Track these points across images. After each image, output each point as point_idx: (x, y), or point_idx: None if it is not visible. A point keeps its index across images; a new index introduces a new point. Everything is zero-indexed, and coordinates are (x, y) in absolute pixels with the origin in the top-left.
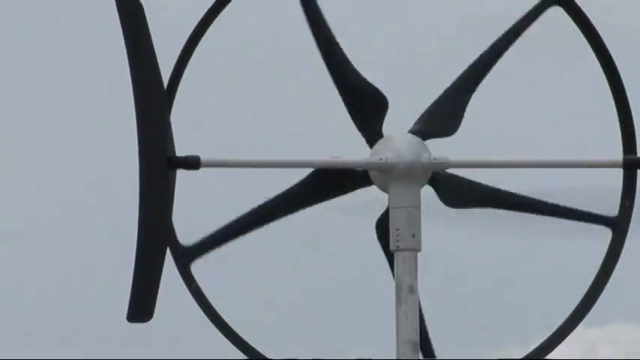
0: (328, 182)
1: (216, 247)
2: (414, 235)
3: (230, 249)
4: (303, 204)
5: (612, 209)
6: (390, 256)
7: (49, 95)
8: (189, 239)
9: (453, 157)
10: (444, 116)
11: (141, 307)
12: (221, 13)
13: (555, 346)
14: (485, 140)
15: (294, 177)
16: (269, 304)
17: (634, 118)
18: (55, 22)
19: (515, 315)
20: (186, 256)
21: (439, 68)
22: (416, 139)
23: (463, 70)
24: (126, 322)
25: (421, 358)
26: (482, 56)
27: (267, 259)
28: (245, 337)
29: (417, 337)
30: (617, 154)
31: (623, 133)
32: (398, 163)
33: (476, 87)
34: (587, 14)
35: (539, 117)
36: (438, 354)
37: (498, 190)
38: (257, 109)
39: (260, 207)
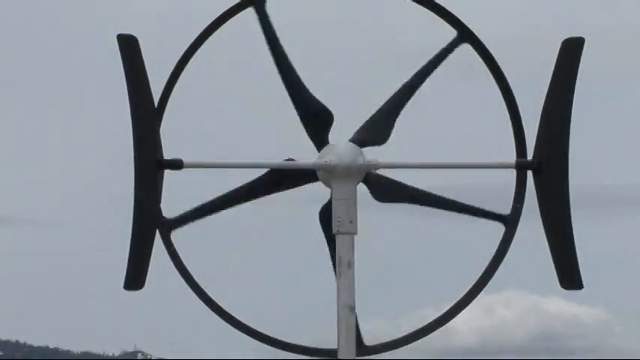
0: (284, 178)
1: (192, 221)
2: (351, 222)
3: (205, 226)
4: (262, 194)
5: (508, 205)
6: (329, 238)
7: (69, 110)
8: (172, 214)
9: (382, 161)
10: (377, 129)
11: (134, 278)
12: (198, 49)
13: (462, 309)
14: (410, 147)
15: (257, 175)
16: (236, 275)
17: (524, 129)
18: (71, 52)
19: (429, 284)
20: (168, 226)
21: (374, 89)
22: (354, 146)
23: (392, 94)
24: (123, 289)
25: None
26: (406, 83)
27: (237, 237)
28: (219, 302)
29: (353, 302)
30: (512, 157)
31: (516, 140)
32: (338, 164)
33: (402, 108)
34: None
35: (451, 129)
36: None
37: (417, 190)
38: (230, 121)
39: (228, 193)
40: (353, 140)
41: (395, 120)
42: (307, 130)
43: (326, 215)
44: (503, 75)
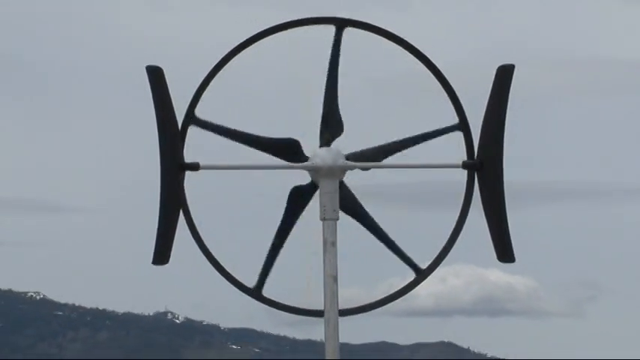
0: (299, 195)
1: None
2: (334, 210)
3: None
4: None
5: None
6: (288, 208)
7: (111, 123)
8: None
9: (356, 163)
10: (330, 125)
11: (161, 255)
12: (218, 73)
13: (424, 280)
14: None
15: (266, 175)
16: (244, 249)
17: (473, 138)
18: (117, 80)
19: (396, 259)
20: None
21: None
22: (335, 151)
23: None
24: (152, 264)
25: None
26: (327, 85)
27: (243, 221)
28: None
29: (336, 273)
30: (461, 159)
31: (466, 144)
32: (323, 166)
33: (336, 101)
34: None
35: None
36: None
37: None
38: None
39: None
40: (323, 144)
41: (338, 112)
42: (283, 157)
43: (295, 193)
44: (457, 97)
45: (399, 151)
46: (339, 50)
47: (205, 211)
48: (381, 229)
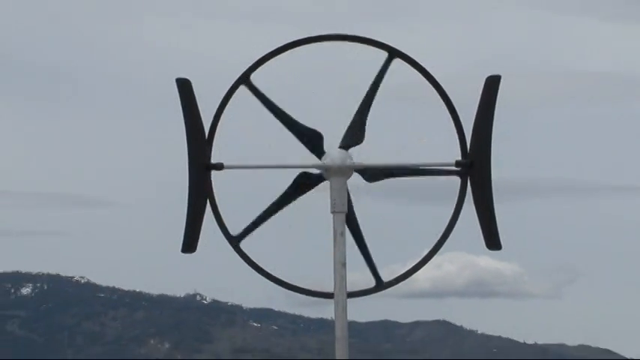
0: (306, 179)
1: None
2: (343, 204)
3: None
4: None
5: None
6: (292, 186)
7: (144, 128)
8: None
9: (362, 162)
10: (354, 135)
11: (189, 244)
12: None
13: (422, 266)
14: (386, 152)
15: (282, 173)
16: (265, 238)
17: (466, 137)
18: (152, 90)
19: (398, 247)
20: (235, 241)
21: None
22: (344, 152)
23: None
24: (181, 253)
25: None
26: (364, 100)
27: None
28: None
29: (344, 260)
30: (455, 157)
31: (461, 144)
32: (332, 165)
33: (366, 116)
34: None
35: (416, 140)
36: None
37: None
38: (260, 135)
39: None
40: (341, 146)
41: (364, 125)
42: (308, 147)
43: (302, 177)
44: (452, 105)
45: (402, 175)
46: (384, 75)
47: (230, 205)
48: (418, 167)
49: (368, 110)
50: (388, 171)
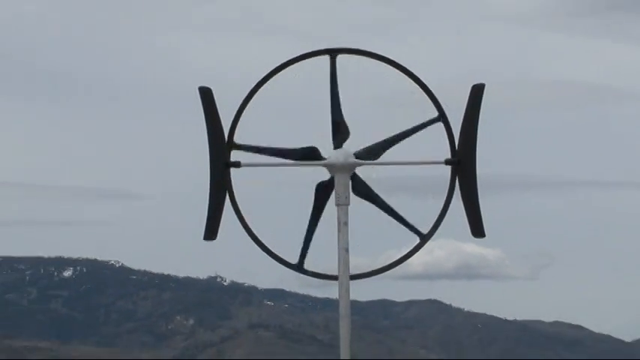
0: (322, 188)
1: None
2: (346, 197)
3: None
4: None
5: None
6: (317, 199)
7: (170, 130)
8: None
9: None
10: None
11: (210, 232)
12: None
13: (416, 252)
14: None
15: (293, 171)
16: (278, 227)
17: (455, 138)
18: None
19: (394, 235)
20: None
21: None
22: (346, 151)
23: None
24: (203, 240)
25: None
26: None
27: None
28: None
29: (347, 246)
30: (445, 156)
31: (450, 144)
32: (337, 162)
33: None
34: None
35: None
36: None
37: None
38: (274, 137)
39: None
40: (358, 155)
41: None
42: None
43: (320, 188)
44: (444, 112)
45: (396, 143)
46: (335, 73)
47: (247, 198)
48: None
49: (339, 106)
50: (386, 144)
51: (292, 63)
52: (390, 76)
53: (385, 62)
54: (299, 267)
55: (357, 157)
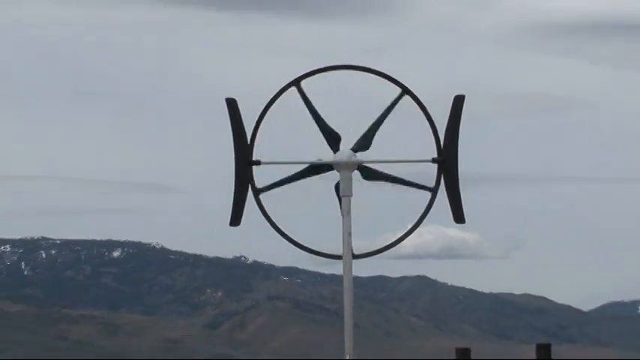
0: (318, 168)
1: (273, 188)
2: (349, 190)
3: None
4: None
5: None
6: (340, 198)
7: (201, 136)
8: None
9: (362, 159)
10: (364, 143)
11: (235, 219)
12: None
13: (409, 235)
14: (379, 151)
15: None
16: (293, 216)
17: (440, 140)
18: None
19: (389, 221)
20: (257, 190)
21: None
22: (351, 152)
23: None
24: (229, 226)
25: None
26: (375, 122)
27: (293, 198)
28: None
29: (350, 230)
30: (431, 155)
31: (437, 146)
32: (340, 161)
33: (375, 132)
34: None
35: (403, 143)
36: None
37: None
38: (288, 140)
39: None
40: (356, 148)
41: (372, 139)
42: (330, 145)
43: (337, 186)
44: (432, 120)
45: (379, 126)
46: (306, 97)
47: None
48: (398, 178)
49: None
50: (373, 128)
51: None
52: (388, 91)
53: (386, 79)
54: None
55: (354, 150)
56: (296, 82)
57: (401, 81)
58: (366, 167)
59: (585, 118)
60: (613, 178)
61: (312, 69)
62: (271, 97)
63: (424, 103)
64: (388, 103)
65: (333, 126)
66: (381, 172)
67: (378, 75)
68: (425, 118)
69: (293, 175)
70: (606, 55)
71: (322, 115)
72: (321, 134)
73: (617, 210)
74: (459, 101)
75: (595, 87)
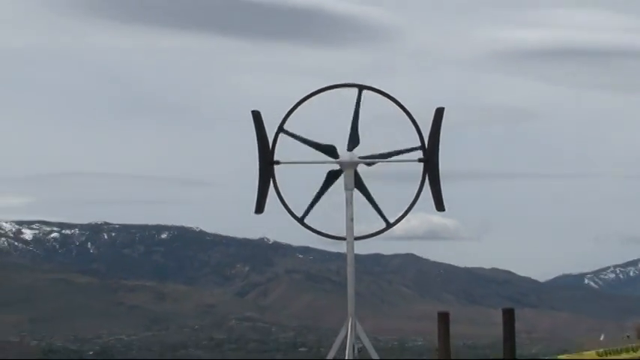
0: (333, 174)
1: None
2: (351, 184)
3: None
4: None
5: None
6: (327, 180)
7: (236, 139)
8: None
9: (359, 160)
10: (353, 142)
11: (259, 208)
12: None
13: (400, 221)
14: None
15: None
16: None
17: (426, 141)
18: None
19: (386, 208)
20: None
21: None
22: (353, 153)
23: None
24: (254, 214)
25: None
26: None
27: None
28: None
29: (352, 217)
30: (418, 156)
31: (422, 148)
32: (345, 161)
33: (357, 132)
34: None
35: (393, 146)
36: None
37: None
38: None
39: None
40: (348, 149)
41: (357, 135)
42: (329, 155)
43: (330, 174)
44: (419, 127)
45: (385, 160)
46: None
47: (285, 186)
48: (372, 198)
49: (357, 125)
50: (379, 160)
51: (323, 91)
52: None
53: (384, 95)
54: (301, 219)
55: (350, 149)
56: (308, 97)
57: (393, 95)
58: (358, 178)
59: (538, 125)
60: (563, 174)
61: (320, 87)
62: (288, 110)
63: (413, 115)
64: (378, 113)
65: (335, 131)
66: (364, 189)
67: (372, 90)
68: (413, 126)
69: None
70: (555, 75)
71: (324, 124)
72: (338, 136)
73: (566, 200)
74: (439, 112)
75: (546, 101)
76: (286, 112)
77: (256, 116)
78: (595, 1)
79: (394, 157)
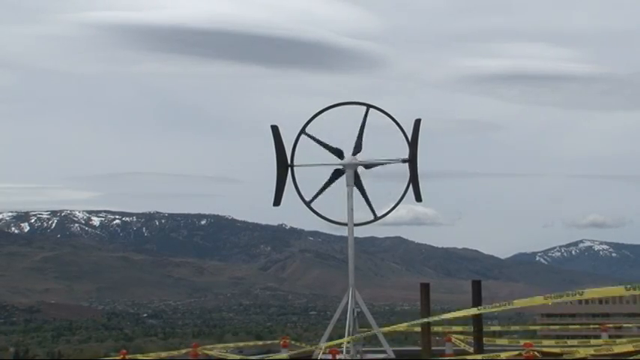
0: (338, 172)
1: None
2: (352, 181)
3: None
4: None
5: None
6: (332, 175)
7: (259, 147)
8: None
9: (359, 162)
10: (357, 149)
11: (277, 201)
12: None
13: (394, 209)
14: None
15: (323, 168)
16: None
17: (413, 144)
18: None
19: (377, 202)
20: (307, 202)
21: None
22: (353, 157)
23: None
24: (272, 206)
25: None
26: (358, 136)
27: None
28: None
29: (353, 207)
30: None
31: (409, 151)
32: (347, 162)
33: (361, 140)
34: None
35: (387, 149)
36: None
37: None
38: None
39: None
40: (353, 154)
41: (361, 144)
42: (336, 155)
43: (335, 171)
44: (406, 133)
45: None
46: (366, 118)
47: (300, 183)
48: (366, 195)
49: (362, 136)
50: (373, 165)
51: (336, 106)
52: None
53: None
54: (309, 203)
55: (354, 154)
56: (325, 110)
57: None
58: (358, 178)
59: (499, 135)
60: (520, 173)
61: (325, 106)
62: (303, 124)
63: (401, 124)
64: (374, 124)
65: (343, 137)
66: (361, 187)
67: (376, 109)
68: (402, 134)
69: (327, 182)
70: (511, 95)
71: (331, 134)
72: (330, 147)
73: (521, 194)
74: (417, 123)
75: (505, 115)
76: (306, 121)
77: (275, 129)
78: (542, 37)
79: (385, 158)
